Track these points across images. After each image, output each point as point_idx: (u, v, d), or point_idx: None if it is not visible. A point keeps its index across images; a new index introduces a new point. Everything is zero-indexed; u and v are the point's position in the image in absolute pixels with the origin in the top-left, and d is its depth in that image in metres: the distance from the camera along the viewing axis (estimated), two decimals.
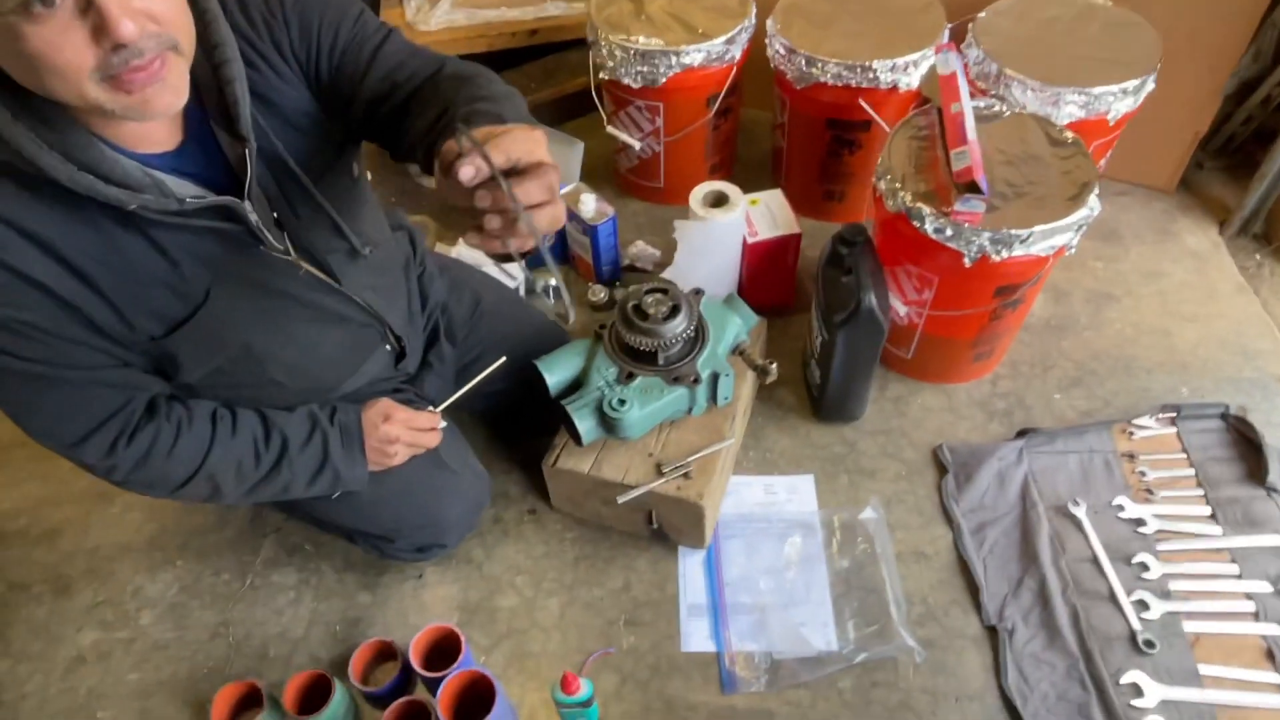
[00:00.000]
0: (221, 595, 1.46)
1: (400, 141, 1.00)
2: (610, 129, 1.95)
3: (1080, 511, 1.48)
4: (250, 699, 1.28)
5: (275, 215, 1.02)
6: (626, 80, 1.79)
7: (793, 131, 1.90)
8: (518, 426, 1.63)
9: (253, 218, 0.96)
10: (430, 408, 1.32)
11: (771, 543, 1.48)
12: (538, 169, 0.74)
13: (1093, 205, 1.38)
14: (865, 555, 1.45)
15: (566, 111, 2.25)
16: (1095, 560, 1.43)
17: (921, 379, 1.70)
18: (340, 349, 1.21)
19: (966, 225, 1.35)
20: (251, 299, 1.04)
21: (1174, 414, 1.60)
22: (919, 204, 1.39)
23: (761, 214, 1.70)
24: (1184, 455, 1.56)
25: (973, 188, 1.33)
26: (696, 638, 1.38)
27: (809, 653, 1.34)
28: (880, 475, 1.57)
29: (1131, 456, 1.56)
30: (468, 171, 0.70)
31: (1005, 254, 1.36)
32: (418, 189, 2.13)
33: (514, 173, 0.74)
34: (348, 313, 1.17)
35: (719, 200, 1.65)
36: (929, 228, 1.38)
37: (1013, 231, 1.34)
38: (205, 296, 0.97)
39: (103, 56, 0.72)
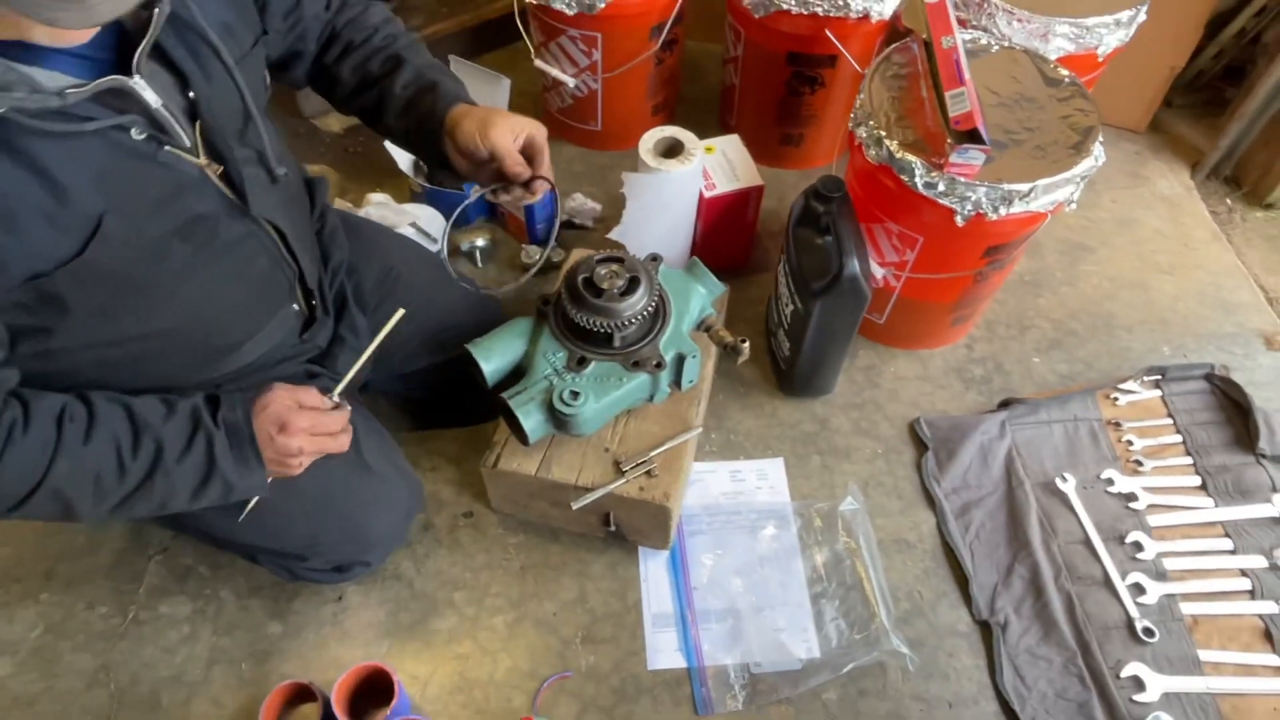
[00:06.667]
0: (98, 633, 1.22)
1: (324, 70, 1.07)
2: (539, 63, 1.70)
3: (1068, 487, 1.37)
4: None
5: (191, 95, 0.81)
6: (558, 6, 1.53)
7: (747, 67, 1.68)
8: (447, 414, 1.42)
9: (150, 98, 0.75)
10: (329, 397, 1.03)
11: (742, 536, 1.33)
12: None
13: (1098, 155, 1.23)
14: (845, 549, 1.31)
15: (486, 41, 1.98)
16: (1087, 541, 1.33)
17: (894, 345, 1.56)
18: (245, 296, 0.97)
19: (961, 179, 1.18)
20: (152, 223, 0.81)
21: (1158, 376, 1.50)
22: (907, 155, 1.21)
23: (718, 164, 1.50)
24: (1170, 421, 1.46)
25: (972, 136, 1.16)
26: (664, 653, 1.22)
27: (790, 663, 1.21)
28: (855, 455, 1.42)
29: (1117, 424, 1.46)
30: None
31: (1003, 211, 1.20)
32: (314, 133, 1.84)
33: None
34: (257, 246, 0.94)
35: (672, 149, 1.43)
36: (918, 182, 1.21)
37: (1012, 186, 1.18)
38: (96, 227, 0.75)
39: None
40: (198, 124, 0.82)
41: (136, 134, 0.76)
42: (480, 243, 1.62)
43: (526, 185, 1.04)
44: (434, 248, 1.54)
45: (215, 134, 0.84)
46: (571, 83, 1.68)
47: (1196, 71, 1.92)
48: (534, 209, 1.58)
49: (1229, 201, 1.82)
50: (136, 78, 0.73)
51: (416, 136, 1.07)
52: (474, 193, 1.09)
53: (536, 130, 1.04)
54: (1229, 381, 1.48)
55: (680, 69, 1.83)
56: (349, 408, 1.03)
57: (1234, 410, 1.47)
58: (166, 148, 0.78)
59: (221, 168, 0.85)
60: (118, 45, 0.74)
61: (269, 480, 0.97)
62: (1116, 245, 1.72)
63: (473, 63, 1.69)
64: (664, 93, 1.79)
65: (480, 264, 1.64)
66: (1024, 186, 1.18)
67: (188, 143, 0.80)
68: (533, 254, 1.61)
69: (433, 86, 1.05)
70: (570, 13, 1.54)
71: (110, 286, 0.81)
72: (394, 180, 1.72)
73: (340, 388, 1.02)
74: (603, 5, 1.51)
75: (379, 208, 1.51)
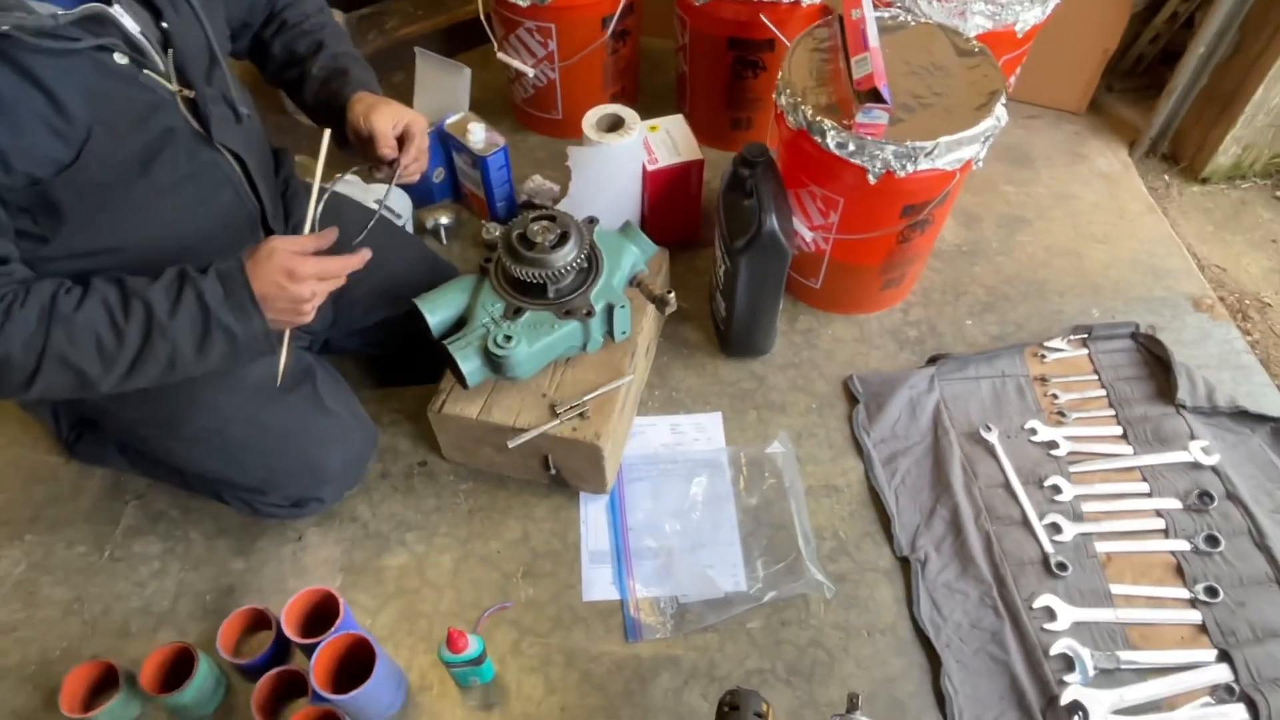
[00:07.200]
0: (76, 569, 1.32)
1: (261, 44, 1.23)
2: (501, 55, 1.81)
3: (992, 437, 1.44)
4: (106, 680, 1.16)
5: (164, 26, 0.95)
6: None
7: (694, 54, 1.79)
8: (405, 374, 1.52)
9: (128, 24, 0.90)
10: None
11: (678, 484, 1.41)
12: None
13: (1000, 115, 1.31)
14: (773, 491, 1.39)
15: (458, 42, 2.10)
16: (1008, 485, 1.39)
17: (832, 310, 1.64)
18: (212, 224, 1.06)
19: (869, 139, 1.27)
20: (132, 137, 0.93)
21: (1085, 335, 1.57)
22: (820, 118, 1.30)
23: (661, 140, 1.60)
24: (1095, 376, 1.53)
25: (874, 96, 1.25)
26: (599, 586, 1.30)
27: (716, 595, 1.28)
28: (790, 409, 1.50)
29: (1044, 380, 1.52)
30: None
31: (910, 168, 1.29)
32: (296, 127, 1.97)
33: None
34: (220, 176, 1.06)
35: (615, 124, 1.54)
36: (831, 143, 1.30)
37: (917, 144, 1.26)
38: (87, 136, 0.88)
39: None
40: (170, 53, 0.95)
41: (119, 58, 0.89)
42: (445, 220, 1.72)
43: (393, 165, 1.16)
44: (399, 222, 1.65)
45: (185, 64, 0.97)
46: (531, 73, 1.79)
47: (1136, 56, 2.00)
48: (492, 187, 1.68)
49: (1166, 177, 1.89)
50: (116, 6, 0.88)
51: (325, 114, 1.19)
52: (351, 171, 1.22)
53: (414, 121, 1.17)
54: (1153, 339, 1.55)
55: (637, 60, 1.94)
56: (334, 229, 1.06)
57: (1157, 366, 1.53)
58: (145, 71, 0.92)
59: (191, 93, 0.98)
60: None
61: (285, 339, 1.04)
62: (1053, 218, 1.79)
63: (440, 55, 1.80)
64: (621, 82, 1.90)
65: (444, 241, 1.74)
66: (928, 144, 1.26)
67: (162, 68, 0.94)
68: (493, 230, 1.72)
69: (343, 72, 1.19)
70: (524, 4, 1.65)
71: (99, 197, 0.93)
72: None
73: (308, 225, 1.06)
74: None
75: (347, 185, 1.62)
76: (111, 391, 0.96)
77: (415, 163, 1.18)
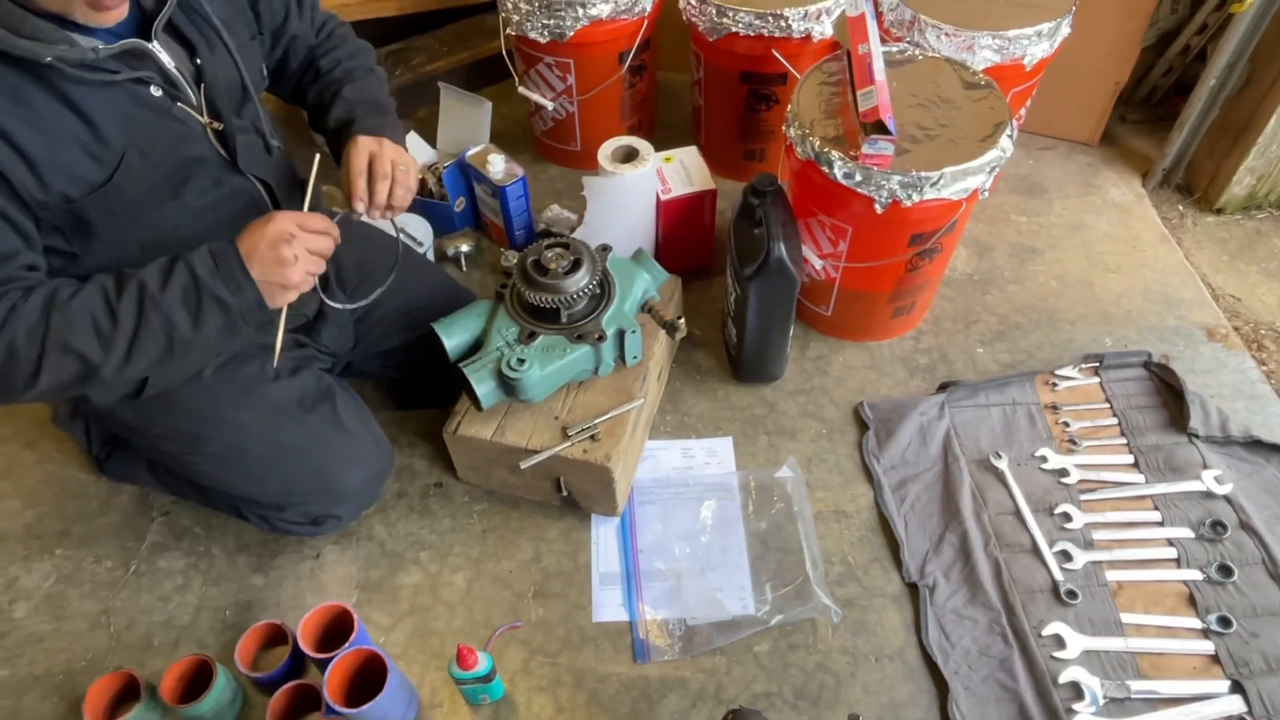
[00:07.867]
0: (103, 584, 1.36)
1: (300, 90, 1.29)
2: (522, 89, 1.87)
3: (1002, 464, 1.45)
4: (128, 691, 1.19)
5: (198, 62, 1.01)
6: (534, 35, 1.71)
7: (709, 88, 1.83)
8: (423, 397, 1.55)
9: (165, 60, 0.96)
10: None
11: (688, 507, 1.43)
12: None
13: (1005, 146, 1.33)
14: (782, 515, 1.40)
15: (482, 77, 2.17)
16: (1018, 512, 1.39)
17: (843, 337, 1.66)
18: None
19: (876, 169, 1.30)
20: (164, 163, 0.99)
21: (1097, 364, 1.57)
22: (828, 149, 1.34)
23: (675, 171, 1.64)
24: (1107, 405, 1.53)
25: (880, 128, 1.28)
26: (609, 608, 1.32)
27: (724, 618, 1.29)
28: (801, 435, 1.52)
29: (1055, 408, 1.53)
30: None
31: (916, 198, 1.31)
32: (324, 160, 2.03)
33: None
34: (248, 200, 1.11)
35: (630, 155, 1.58)
36: (838, 173, 1.33)
37: (923, 174, 1.29)
38: (120, 160, 0.94)
39: None
40: (203, 87, 1.01)
41: (155, 90, 0.96)
42: (465, 248, 1.77)
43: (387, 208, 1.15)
44: (421, 249, 1.70)
45: (217, 98, 1.03)
46: (550, 106, 1.85)
47: (1150, 89, 2.02)
48: (511, 216, 1.73)
49: (1181, 208, 1.90)
50: (154, 42, 0.94)
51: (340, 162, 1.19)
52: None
53: (376, 151, 1.12)
54: (1165, 368, 1.55)
55: (654, 94, 1.99)
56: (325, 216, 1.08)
57: (1170, 395, 1.53)
58: (179, 104, 0.98)
59: (222, 125, 1.04)
60: (139, 25, 0.95)
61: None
62: (1065, 248, 1.80)
63: (461, 89, 1.86)
64: (638, 115, 1.95)
65: (464, 268, 1.79)
66: (933, 174, 1.29)
67: (195, 101, 1.00)
68: (511, 258, 1.76)
69: (351, 121, 1.18)
70: (544, 40, 1.71)
71: (129, 217, 0.99)
72: None
73: (307, 205, 1.08)
74: (572, 33, 1.68)
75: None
76: (116, 378, 0.96)
77: (390, 197, 1.14)
